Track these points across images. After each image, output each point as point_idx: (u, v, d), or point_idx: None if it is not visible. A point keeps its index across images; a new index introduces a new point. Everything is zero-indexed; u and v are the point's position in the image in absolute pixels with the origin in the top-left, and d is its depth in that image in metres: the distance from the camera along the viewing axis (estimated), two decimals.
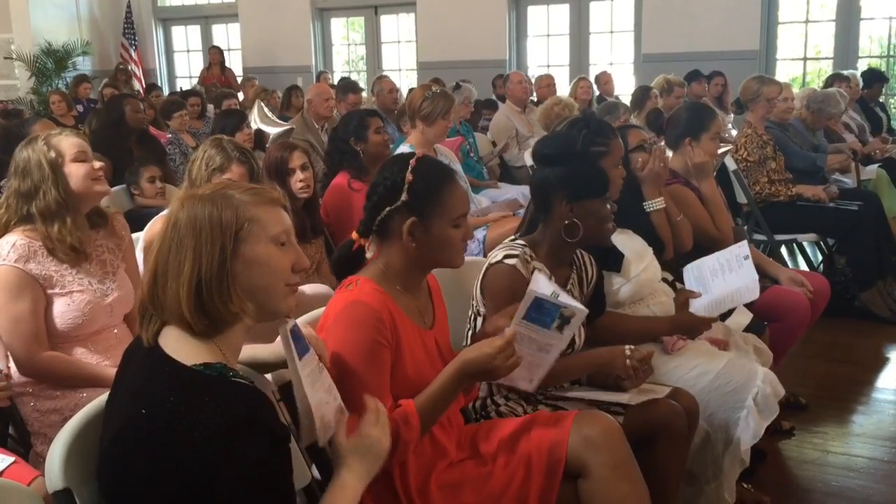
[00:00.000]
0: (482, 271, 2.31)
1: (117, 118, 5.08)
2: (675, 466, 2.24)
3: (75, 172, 2.39)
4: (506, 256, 2.26)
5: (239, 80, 11.13)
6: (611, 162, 2.61)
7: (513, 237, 2.42)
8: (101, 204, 2.56)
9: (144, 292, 1.47)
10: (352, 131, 3.93)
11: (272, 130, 5.88)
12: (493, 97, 8.22)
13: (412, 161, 1.88)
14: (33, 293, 2.32)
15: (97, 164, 2.44)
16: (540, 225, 2.38)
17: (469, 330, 2.35)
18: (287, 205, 1.58)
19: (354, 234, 1.95)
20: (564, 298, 1.87)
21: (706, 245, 2.97)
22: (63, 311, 2.37)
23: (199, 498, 1.33)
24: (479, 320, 2.29)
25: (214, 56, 11.51)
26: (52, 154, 2.37)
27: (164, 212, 2.95)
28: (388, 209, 1.87)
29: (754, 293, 2.56)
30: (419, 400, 1.81)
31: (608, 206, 2.32)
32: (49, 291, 2.35)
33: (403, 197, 1.85)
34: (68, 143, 2.41)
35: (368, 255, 1.95)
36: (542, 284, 1.89)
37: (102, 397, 1.58)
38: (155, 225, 2.92)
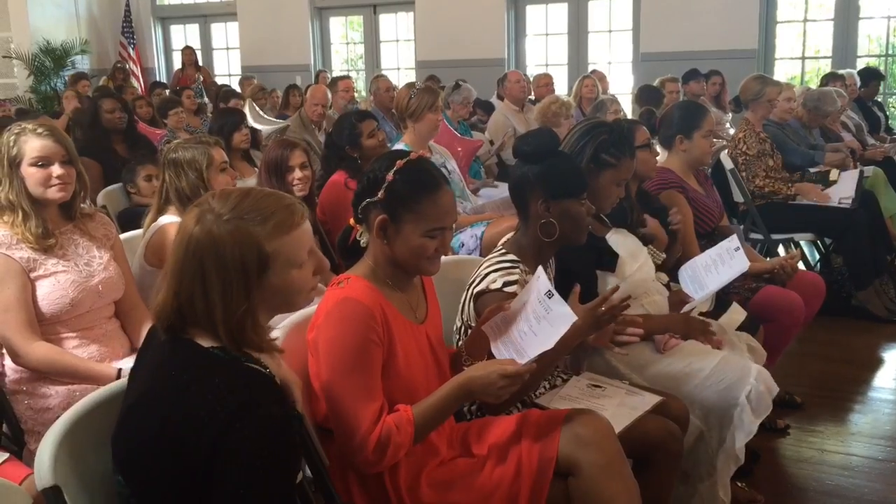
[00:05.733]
0: (476, 288, 2.24)
1: (91, 120, 5.07)
2: (669, 486, 2.24)
3: (30, 177, 2.38)
4: (505, 284, 2.19)
5: (230, 80, 11.04)
6: (613, 177, 2.55)
7: (502, 249, 2.34)
8: (98, 202, 2.55)
9: (169, 312, 1.47)
10: (346, 139, 3.91)
11: (265, 128, 5.86)
12: (493, 98, 8.16)
13: (399, 162, 1.88)
14: (18, 279, 2.31)
15: (57, 171, 2.39)
16: (521, 225, 2.36)
17: (458, 341, 2.29)
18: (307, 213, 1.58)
19: (351, 221, 1.97)
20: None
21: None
22: (49, 291, 2.36)
23: (198, 475, 1.36)
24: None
25: (188, 56, 11.32)
26: (14, 152, 2.37)
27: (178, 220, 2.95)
28: (367, 201, 1.89)
29: (744, 269, 2.65)
30: (417, 409, 1.80)
31: (585, 208, 2.29)
32: (33, 275, 2.35)
33: (380, 194, 1.86)
34: (32, 145, 2.38)
35: (362, 243, 1.95)
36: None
37: (91, 395, 1.60)
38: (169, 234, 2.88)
